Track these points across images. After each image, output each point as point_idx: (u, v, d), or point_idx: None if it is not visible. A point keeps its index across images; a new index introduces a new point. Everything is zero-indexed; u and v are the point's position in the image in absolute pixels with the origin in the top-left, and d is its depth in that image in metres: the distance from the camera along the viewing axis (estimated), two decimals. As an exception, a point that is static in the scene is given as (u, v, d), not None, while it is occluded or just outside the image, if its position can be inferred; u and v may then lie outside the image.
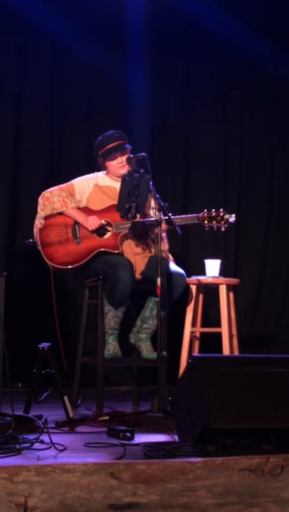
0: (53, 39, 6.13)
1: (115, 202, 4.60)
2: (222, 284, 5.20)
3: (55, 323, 4.58)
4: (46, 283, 4.64)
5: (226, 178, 6.63)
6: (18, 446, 3.07)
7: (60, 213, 4.65)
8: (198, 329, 5.34)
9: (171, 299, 4.52)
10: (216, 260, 5.26)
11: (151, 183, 4.54)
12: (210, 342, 5.41)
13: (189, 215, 4.70)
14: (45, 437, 3.20)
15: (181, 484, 2.81)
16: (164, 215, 4.32)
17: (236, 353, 5.30)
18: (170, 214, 4.36)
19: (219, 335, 5.16)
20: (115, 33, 6.18)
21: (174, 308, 4.66)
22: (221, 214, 4.64)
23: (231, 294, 5.29)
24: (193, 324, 5.26)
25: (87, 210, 4.67)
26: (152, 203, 4.68)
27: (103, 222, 4.61)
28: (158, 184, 5.32)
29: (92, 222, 4.59)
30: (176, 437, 3.41)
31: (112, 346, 4.52)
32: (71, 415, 3.91)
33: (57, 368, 3.92)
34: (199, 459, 2.90)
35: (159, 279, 4.18)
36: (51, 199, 4.64)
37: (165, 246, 4.69)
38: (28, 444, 3.14)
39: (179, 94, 6.58)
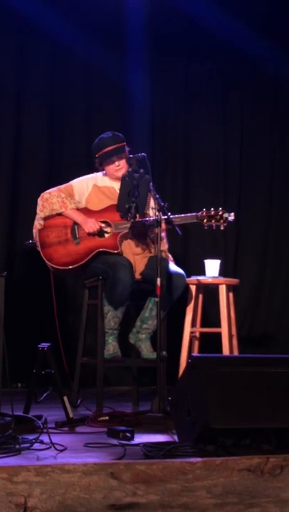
0: (53, 39, 6.13)
1: (114, 202, 4.60)
2: (222, 284, 5.20)
3: (55, 323, 4.58)
4: (46, 283, 4.64)
5: (226, 178, 6.64)
6: (17, 446, 3.07)
7: (60, 214, 4.65)
8: (198, 329, 5.34)
9: (171, 299, 4.52)
10: (216, 260, 5.26)
11: (151, 183, 4.54)
12: (210, 342, 5.41)
13: (188, 214, 4.70)
14: (44, 437, 3.20)
15: (181, 484, 2.81)
16: (164, 215, 4.32)
17: (236, 353, 5.30)
18: (169, 214, 4.36)
19: (219, 335, 5.16)
20: (115, 33, 6.18)
21: (173, 309, 4.66)
22: (220, 213, 4.64)
23: (231, 294, 5.29)
24: (193, 324, 5.26)
25: (86, 211, 4.67)
26: (152, 203, 4.68)
27: (102, 225, 4.61)
28: (158, 184, 5.33)
29: (91, 226, 4.58)
30: (175, 437, 3.42)
31: (111, 346, 4.52)
32: (71, 415, 3.91)
33: (57, 368, 3.91)
34: (199, 459, 2.90)
35: (158, 280, 4.18)
36: (50, 200, 4.64)
37: (165, 246, 4.69)
38: (28, 444, 3.14)
39: (179, 94, 6.58)
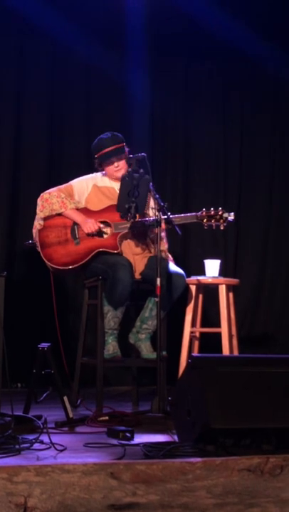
0: (53, 39, 6.13)
1: (114, 202, 4.60)
2: (222, 284, 5.20)
3: (55, 323, 4.58)
4: (46, 283, 4.64)
5: (226, 178, 6.64)
6: (17, 446, 3.07)
7: (59, 214, 4.65)
8: (198, 329, 5.34)
9: (171, 300, 4.52)
10: (216, 260, 5.26)
11: (151, 183, 4.54)
12: (209, 342, 5.41)
13: (188, 214, 4.70)
14: (44, 437, 3.20)
15: (181, 484, 2.81)
16: (164, 215, 4.32)
17: (236, 353, 5.30)
18: (169, 213, 4.36)
19: (219, 335, 5.16)
20: (115, 33, 6.18)
21: (173, 309, 4.66)
22: (220, 213, 4.63)
23: (231, 294, 5.29)
24: (193, 324, 5.26)
25: (86, 211, 4.67)
26: (152, 203, 4.68)
27: (101, 226, 4.61)
28: (158, 184, 5.32)
29: (90, 226, 4.58)
30: (175, 437, 3.42)
31: (111, 346, 4.52)
32: (71, 415, 3.91)
33: (56, 368, 3.91)
34: (199, 459, 2.90)
35: (158, 280, 4.18)
36: (50, 200, 4.64)
37: (164, 246, 4.69)
38: (28, 445, 3.14)
39: (179, 94, 6.58)
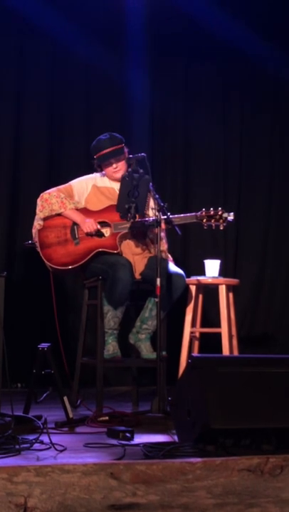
0: (53, 39, 6.13)
1: (113, 202, 4.61)
2: (222, 284, 5.20)
3: (54, 323, 4.58)
4: (46, 283, 4.64)
5: (226, 178, 6.64)
6: (17, 446, 3.07)
7: (59, 214, 4.65)
8: (198, 329, 5.34)
9: (171, 300, 4.52)
10: (216, 260, 5.26)
11: (150, 183, 4.54)
12: (209, 342, 5.41)
13: (188, 214, 4.69)
14: (44, 438, 3.20)
15: (181, 484, 2.81)
16: (163, 215, 4.32)
17: (236, 353, 5.30)
18: (168, 214, 4.36)
19: (219, 335, 5.16)
20: (115, 33, 6.18)
21: (173, 309, 4.66)
22: (220, 213, 4.63)
23: (231, 295, 5.29)
24: (193, 324, 5.26)
25: (85, 211, 4.67)
26: (152, 203, 4.68)
27: (99, 227, 4.61)
28: (158, 184, 5.33)
29: (88, 226, 4.58)
30: (175, 437, 3.41)
31: (111, 347, 4.52)
32: (71, 416, 3.91)
33: (57, 368, 3.91)
34: (199, 460, 2.90)
35: (158, 280, 4.18)
36: (50, 200, 4.64)
37: (164, 246, 4.68)
38: (28, 445, 3.14)
39: (179, 94, 6.58)
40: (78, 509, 2.69)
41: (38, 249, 4.62)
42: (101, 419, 3.96)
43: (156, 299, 4.17)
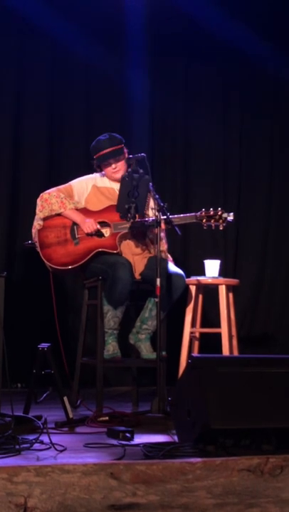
0: (53, 39, 6.13)
1: (113, 203, 4.61)
2: (221, 284, 5.20)
3: (54, 323, 4.58)
4: (46, 283, 4.64)
5: (226, 178, 6.64)
6: (17, 446, 3.07)
7: (59, 214, 4.65)
8: (198, 329, 5.34)
9: (171, 300, 4.52)
10: (216, 261, 5.26)
11: (150, 183, 4.54)
12: (209, 342, 5.41)
13: (187, 215, 4.69)
14: (44, 438, 3.20)
15: (181, 485, 2.81)
16: (163, 215, 4.32)
17: (236, 353, 5.30)
18: (168, 214, 4.36)
19: (219, 335, 5.16)
20: (115, 33, 6.18)
21: (173, 309, 4.66)
22: (219, 213, 4.63)
23: (231, 295, 5.29)
24: (193, 325, 5.26)
25: (85, 211, 4.67)
26: (151, 204, 4.68)
27: (99, 226, 4.61)
28: (157, 184, 5.32)
29: (89, 226, 4.58)
30: (175, 438, 3.41)
31: (111, 347, 4.52)
32: (71, 416, 3.91)
33: (56, 369, 3.91)
34: (199, 460, 2.90)
35: (158, 280, 4.18)
36: (49, 200, 4.64)
37: (164, 246, 4.69)
38: (28, 445, 3.14)
39: (179, 94, 6.58)
40: (78, 509, 2.69)
41: (38, 249, 4.62)
42: (101, 419, 3.96)
43: (156, 299, 4.17)
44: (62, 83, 6.25)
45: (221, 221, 4.63)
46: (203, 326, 5.45)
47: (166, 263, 4.57)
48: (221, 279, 5.22)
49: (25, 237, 5.01)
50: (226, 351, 5.10)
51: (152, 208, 4.62)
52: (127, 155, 4.68)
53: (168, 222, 4.36)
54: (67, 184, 4.76)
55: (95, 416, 4.01)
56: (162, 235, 4.62)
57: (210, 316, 5.86)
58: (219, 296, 5.19)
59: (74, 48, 6.12)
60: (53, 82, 6.22)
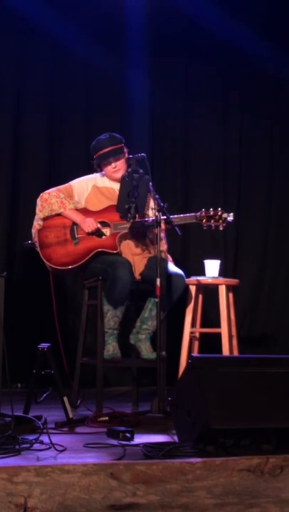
0: (53, 39, 6.13)
1: (113, 203, 4.61)
2: (221, 284, 5.19)
3: (54, 323, 4.58)
4: (46, 283, 4.64)
5: (226, 178, 6.64)
6: (17, 446, 3.07)
7: (59, 214, 4.65)
8: (198, 330, 5.34)
9: (171, 300, 4.52)
10: (216, 261, 5.26)
11: (150, 183, 4.54)
12: (209, 342, 5.41)
13: (187, 215, 4.69)
14: (44, 438, 3.20)
15: (181, 485, 2.81)
16: (163, 215, 4.32)
17: (236, 353, 5.30)
18: (168, 214, 4.36)
19: (219, 335, 5.15)
20: (115, 33, 6.18)
21: (173, 309, 4.66)
22: (219, 213, 4.63)
23: (231, 295, 5.29)
24: (193, 325, 5.26)
25: (85, 211, 4.67)
26: (151, 204, 4.68)
27: (100, 226, 4.61)
28: (157, 184, 5.32)
29: (89, 225, 4.59)
30: (175, 438, 3.41)
31: (111, 347, 4.51)
32: (71, 416, 3.91)
33: (56, 369, 3.91)
34: (199, 460, 2.90)
35: (158, 280, 4.18)
36: (49, 200, 4.64)
37: (164, 246, 4.69)
38: (28, 445, 3.14)
39: (179, 94, 6.58)
40: (78, 509, 2.69)
41: (38, 249, 4.63)
42: (101, 419, 3.96)
43: (156, 299, 4.17)
44: (62, 83, 6.25)
45: (220, 221, 4.63)
46: (203, 326, 5.45)
47: (166, 263, 4.57)
48: (221, 279, 5.22)
49: (25, 237, 5.01)
50: (226, 351, 5.10)
51: (152, 208, 4.62)
52: (127, 155, 4.68)
53: (168, 222, 4.36)
54: (67, 184, 4.76)
55: (95, 416, 4.01)
56: (162, 235, 4.61)
57: (210, 316, 5.86)
58: (219, 296, 5.19)
59: (74, 47, 6.12)
60: (53, 82, 6.22)
